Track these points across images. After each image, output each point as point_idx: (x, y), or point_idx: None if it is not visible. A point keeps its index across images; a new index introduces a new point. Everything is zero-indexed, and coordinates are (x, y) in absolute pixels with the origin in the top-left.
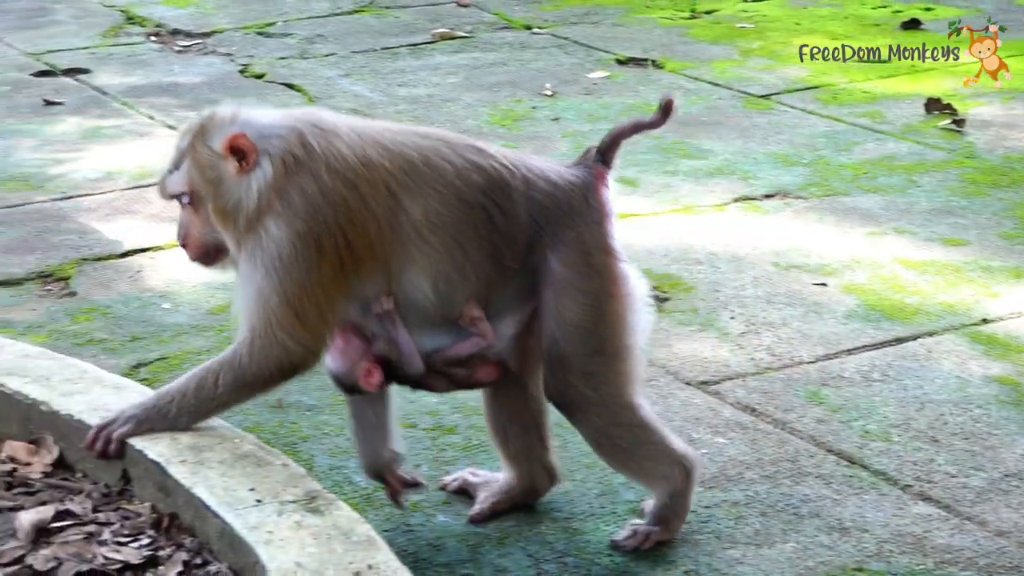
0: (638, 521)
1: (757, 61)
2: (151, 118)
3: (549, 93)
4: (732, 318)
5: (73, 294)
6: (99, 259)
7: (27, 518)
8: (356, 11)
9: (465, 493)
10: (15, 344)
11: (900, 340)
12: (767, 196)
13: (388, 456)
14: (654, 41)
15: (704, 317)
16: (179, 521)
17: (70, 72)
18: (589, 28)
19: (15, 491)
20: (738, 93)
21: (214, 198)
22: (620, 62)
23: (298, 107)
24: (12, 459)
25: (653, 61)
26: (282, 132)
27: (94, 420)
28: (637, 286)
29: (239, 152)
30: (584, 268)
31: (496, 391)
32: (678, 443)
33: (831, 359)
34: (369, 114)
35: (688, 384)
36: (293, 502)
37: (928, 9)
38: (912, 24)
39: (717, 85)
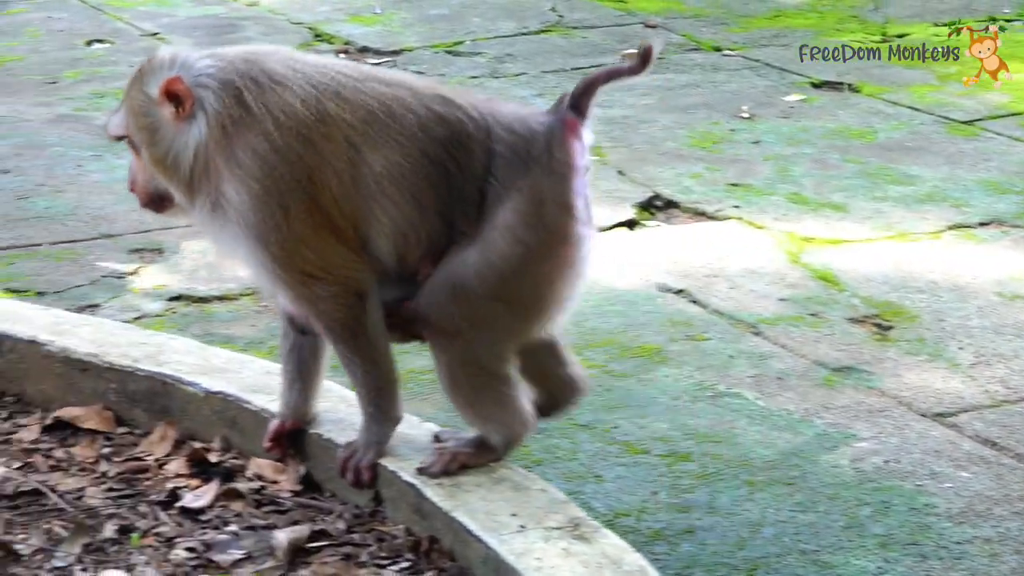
0: (441, 444)
1: (955, 86)
2: None
3: (747, 115)
4: (960, 348)
5: None
6: None
7: (283, 537)
8: (543, 31)
9: None
10: (256, 361)
11: None
12: (982, 224)
13: (310, 415)
14: (848, 64)
15: (932, 347)
16: (439, 544)
17: None
18: (780, 50)
19: (265, 509)
20: (940, 119)
21: (149, 146)
22: (815, 85)
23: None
24: (259, 476)
25: (849, 85)
26: (216, 85)
27: (341, 439)
28: (584, 252)
29: (175, 97)
30: (532, 219)
31: None
32: (527, 404)
33: None
34: None
35: (923, 416)
36: (558, 528)
37: None
38: None
39: (917, 110)
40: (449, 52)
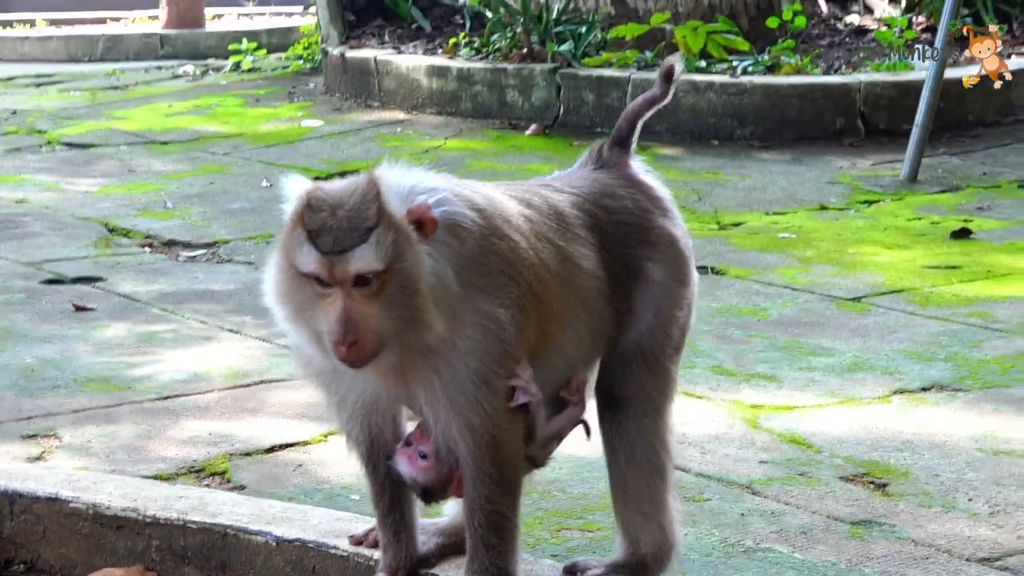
0: (595, 571)
1: (822, 268)
2: (203, 323)
3: None
4: (970, 500)
5: (242, 487)
6: (246, 454)
7: None
8: None
9: None
10: (316, 510)
11: None
12: (924, 389)
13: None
14: (700, 249)
15: (941, 499)
16: None
17: (82, 280)
18: None
19: None
20: (824, 296)
21: (420, 276)
22: None
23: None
24: None
25: (712, 268)
26: (463, 203)
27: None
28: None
29: (420, 223)
30: (679, 255)
31: None
32: (678, 516)
33: None
34: None
35: (969, 561)
36: None
37: (967, 220)
38: (963, 233)
39: (796, 290)
40: (270, 243)
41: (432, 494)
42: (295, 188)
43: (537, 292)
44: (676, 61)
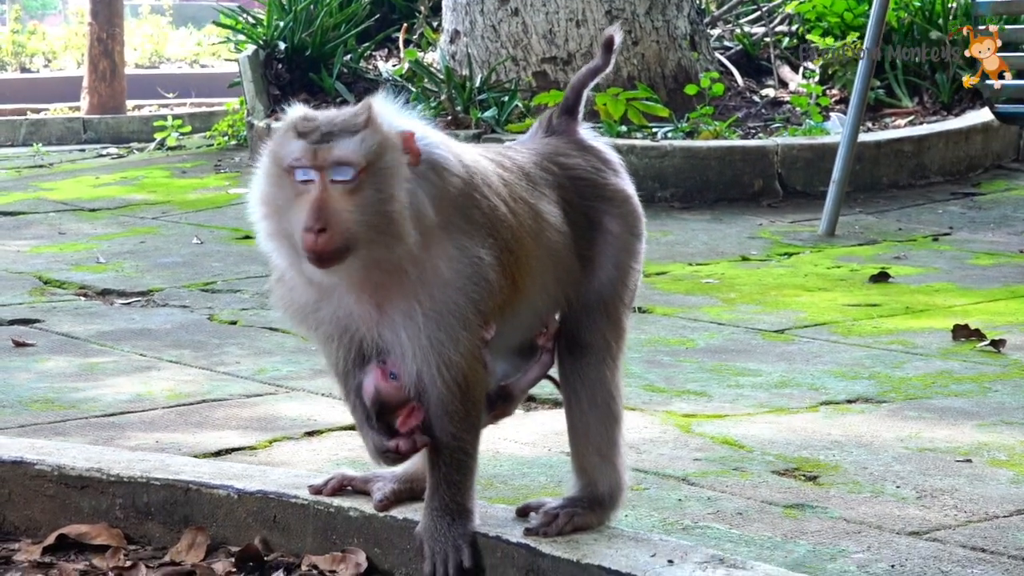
0: (552, 504)
1: (746, 307)
2: (142, 355)
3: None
4: (898, 487)
5: None
6: (194, 457)
7: None
8: None
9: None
10: (278, 469)
11: None
12: (850, 401)
13: None
14: None
15: (871, 487)
16: None
17: (18, 322)
18: None
19: None
20: (749, 329)
21: (398, 183)
22: None
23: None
24: (315, 567)
25: (639, 308)
26: (439, 144)
27: (409, 514)
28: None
29: (406, 149)
30: (633, 210)
31: None
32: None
33: None
34: None
35: (899, 534)
36: (706, 562)
37: (885, 267)
38: (881, 277)
39: (722, 324)
40: (204, 290)
41: (385, 413)
42: (291, 112)
43: (513, 250)
44: (615, 32)
